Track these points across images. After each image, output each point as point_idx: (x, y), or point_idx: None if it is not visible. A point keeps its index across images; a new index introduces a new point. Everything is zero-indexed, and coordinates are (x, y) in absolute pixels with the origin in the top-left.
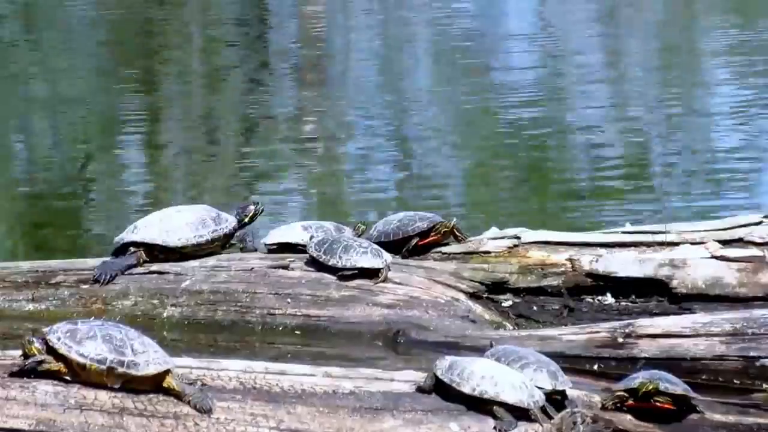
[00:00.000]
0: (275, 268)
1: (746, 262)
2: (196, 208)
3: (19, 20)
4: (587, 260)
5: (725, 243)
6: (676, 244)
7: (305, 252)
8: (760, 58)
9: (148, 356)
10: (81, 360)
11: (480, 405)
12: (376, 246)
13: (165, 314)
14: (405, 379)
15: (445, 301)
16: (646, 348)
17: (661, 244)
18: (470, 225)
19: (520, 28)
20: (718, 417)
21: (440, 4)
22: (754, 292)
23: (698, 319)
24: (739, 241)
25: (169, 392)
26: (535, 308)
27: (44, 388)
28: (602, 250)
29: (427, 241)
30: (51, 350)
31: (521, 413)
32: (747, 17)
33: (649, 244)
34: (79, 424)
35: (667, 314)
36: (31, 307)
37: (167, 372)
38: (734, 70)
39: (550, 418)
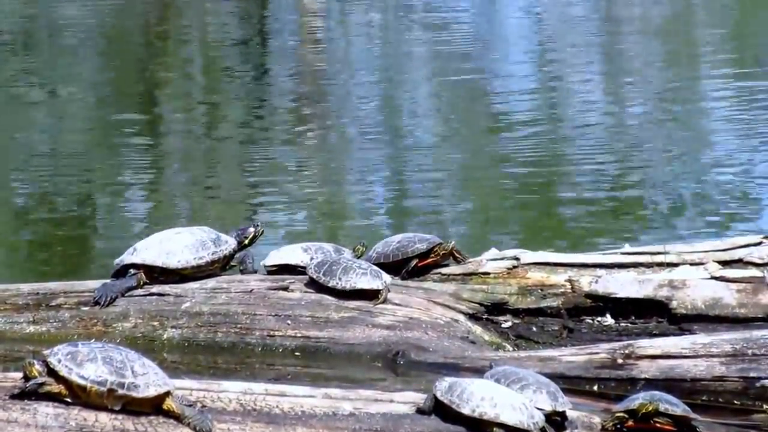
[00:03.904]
0: (275, 289)
1: (746, 282)
2: (195, 230)
3: (18, 40)
4: (586, 281)
5: (725, 264)
6: (676, 264)
7: (305, 274)
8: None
9: (148, 378)
10: (81, 382)
11: (480, 426)
12: (375, 267)
13: (165, 336)
14: (404, 400)
15: (444, 322)
16: (645, 369)
17: (661, 264)
18: (469, 246)
19: (518, 42)
20: None
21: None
22: (753, 313)
23: (698, 339)
24: (739, 262)
25: (168, 414)
26: (534, 329)
27: (45, 410)
28: (601, 271)
29: (426, 262)
30: (52, 372)
31: None
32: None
33: (648, 265)
34: None
35: (667, 335)
36: (31, 329)
37: (167, 394)
38: (738, 85)
39: None
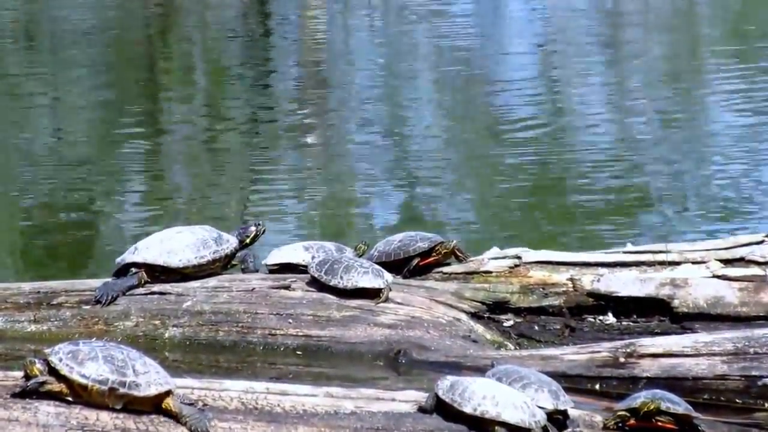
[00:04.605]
0: (276, 288)
1: (748, 281)
2: (196, 228)
3: (20, 38)
4: (588, 280)
5: (726, 262)
6: (678, 263)
7: (306, 272)
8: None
9: (149, 377)
10: (82, 381)
11: (481, 425)
12: (377, 266)
13: (166, 335)
14: (406, 399)
15: (446, 321)
16: (647, 367)
17: (663, 263)
18: (471, 245)
19: (521, 44)
20: None
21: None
22: (755, 312)
23: (700, 338)
24: (741, 261)
25: (166, 413)
26: (536, 328)
27: (46, 409)
28: (603, 270)
29: (428, 261)
30: (53, 371)
31: None
32: (751, 27)
33: (650, 264)
34: None
35: (669, 334)
36: (32, 328)
37: (169, 393)
38: (741, 82)
39: None
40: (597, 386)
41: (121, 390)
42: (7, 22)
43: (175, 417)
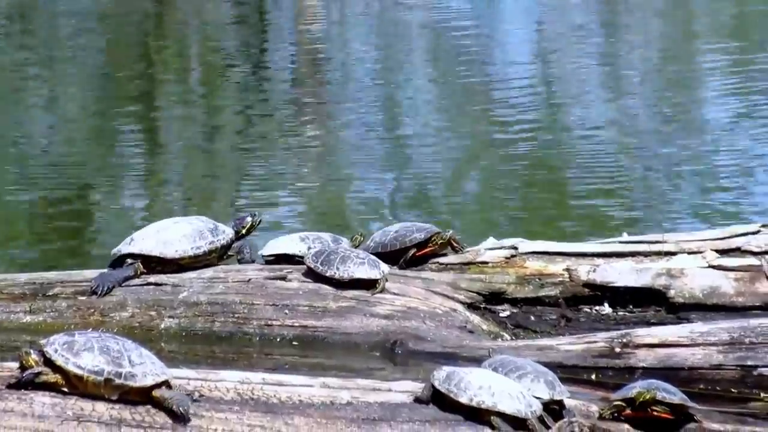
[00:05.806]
0: (273, 279)
1: (744, 271)
2: (193, 219)
3: (15, 25)
4: (584, 270)
5: (723, 252)
6: (674, 253)
7: (303, 263)
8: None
9: (145, 367)
10: (78, 371)
11: (478, 415)
12: (373, 257)
13: (162, 326)
14: (402, 389)
15: (442, 312)
16: (643, 357)
17: (659, 253)
18: (468, 236)
19: (517, 34)
20: (715, 426)
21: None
22: (751, 302)
23: (696, 328)
24: (737, 251)
25: (153, 402)
26: (532, 318)
27: (42, 399)
28: (599, 260)
29: (424, 251)
30: (48, 362)
31: (519, 423)
32: (747, 31)
33: (646, 254)
34: None
35: (665, 324)
36: (28, 318)
37: (165, 383)
38: (733, 81)
39: (548, 427)
40: (593, 376)
41: (117, 381)
42: (3, 6)
43: (159, 403)
